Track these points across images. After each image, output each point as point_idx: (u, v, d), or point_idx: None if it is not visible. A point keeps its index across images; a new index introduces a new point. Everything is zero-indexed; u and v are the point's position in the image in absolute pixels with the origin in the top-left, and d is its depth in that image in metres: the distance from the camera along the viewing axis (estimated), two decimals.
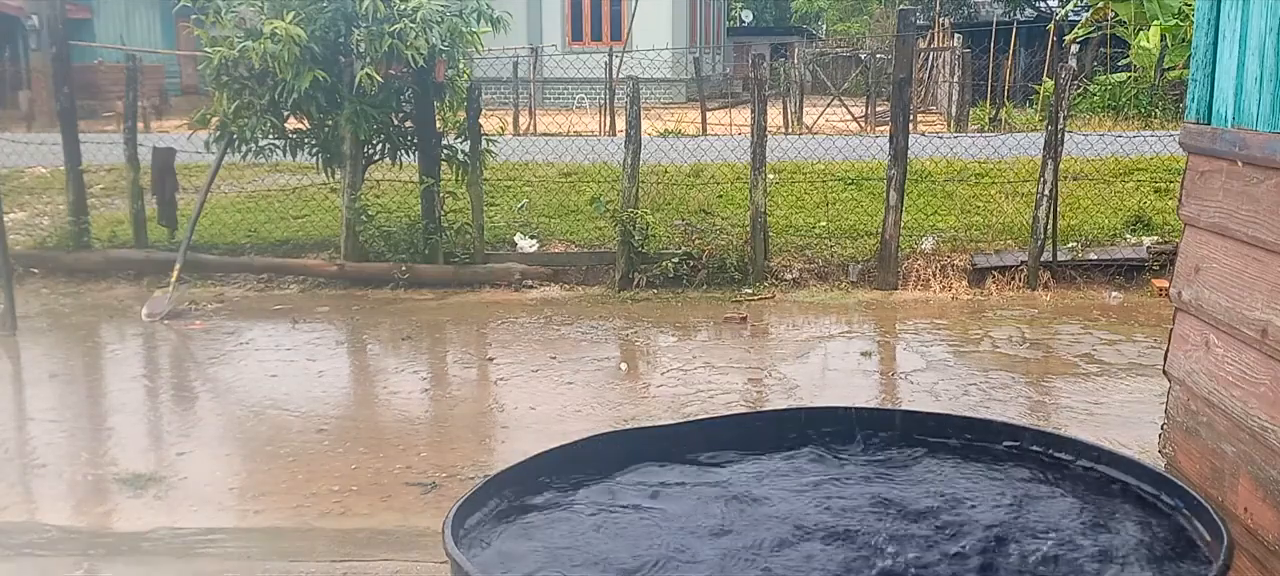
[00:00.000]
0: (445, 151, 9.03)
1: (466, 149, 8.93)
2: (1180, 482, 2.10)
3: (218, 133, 8.62)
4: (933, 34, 26.45)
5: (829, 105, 21.89)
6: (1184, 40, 17.24)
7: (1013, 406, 5.83)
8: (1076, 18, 23.08)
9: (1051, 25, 22.66)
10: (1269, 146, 2.24)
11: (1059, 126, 8.45)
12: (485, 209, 9.13)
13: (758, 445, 2.33)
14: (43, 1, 11.18)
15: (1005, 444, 2.32)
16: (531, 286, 8.65)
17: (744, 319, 7.71)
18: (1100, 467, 2.19)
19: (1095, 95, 19.82)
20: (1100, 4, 20.83)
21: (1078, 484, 2.17)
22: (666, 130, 16.96)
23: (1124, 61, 20.83)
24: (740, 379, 6.40)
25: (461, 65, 9.13)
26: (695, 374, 6.42)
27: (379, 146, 9.10)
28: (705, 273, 8.50)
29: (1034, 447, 2.30)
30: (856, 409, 2.43)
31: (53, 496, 4.75)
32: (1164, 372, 2.73)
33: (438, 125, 8.99)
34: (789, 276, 8.62)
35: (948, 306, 8.08)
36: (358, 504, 4.59)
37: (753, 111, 8.86)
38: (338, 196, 9.31)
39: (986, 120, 18.93)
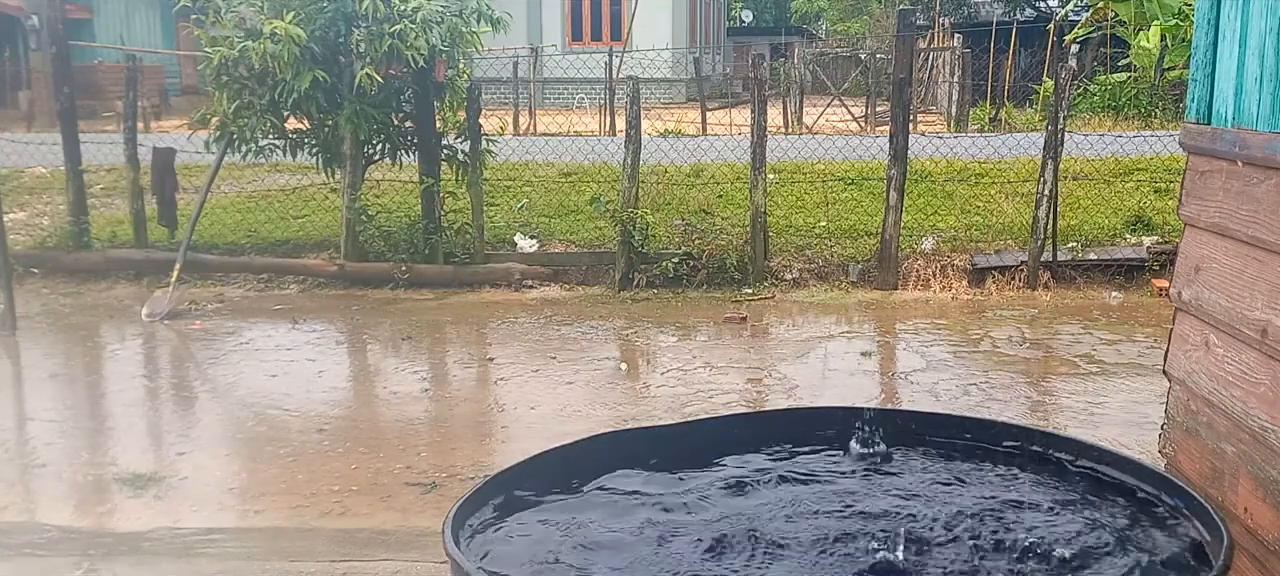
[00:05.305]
0: (445, 151, 9.03)
1: (466, 149, 8.93)
2: (1180, 482, 2.10)
3: (218, 133, 8.63)
4: (933, 34, 26.45)
5: (829, 105, 21.88)
6: (1184, 40, 17.22)
7: (1013, 406, 5.83)
8: (1076, 18, 23.05)
9: (1051, 25, 22.65)
10: (1269, 146, 2.24)
11: (1059, 126, 8.45)
12: (485, 209, 9.13)
13: (757, 445, 2.33)
14: (43, 1, 11.17)
15: (1004, 444, 2.32)
16: (531, 286, 8.65)
17: (744, 319, 7.71)
18: (1100, 468, 2.19)
19: (1095, 95, 19.81)
20: (1100, 4, 20.80)
21: (1077, 484, 2.17)
22: (666, 130, 16.95)
23: (1124, 61, 20.81)
24: (740, 379, 6.40)
25: (461, 65, 9.14)
26: (695, 374, 6.42)
27: (379, 146, 9.10)
28: (705, 273, 8.50)
29: (1033, 447, 2.30)
30: (853, 409, 2.42)
31: (53, 496, 4.75)
32: (1164, 372, 2.73)
33: (438, 125, 8.99)
34: (789, 276, 8.62)
35: (948, 306, 8.07)
36: (358, 504, 4.59)
37: (753, 111, 8.86)
38: (338, 196, 9.31)
39: (986, 120, 18.91)
